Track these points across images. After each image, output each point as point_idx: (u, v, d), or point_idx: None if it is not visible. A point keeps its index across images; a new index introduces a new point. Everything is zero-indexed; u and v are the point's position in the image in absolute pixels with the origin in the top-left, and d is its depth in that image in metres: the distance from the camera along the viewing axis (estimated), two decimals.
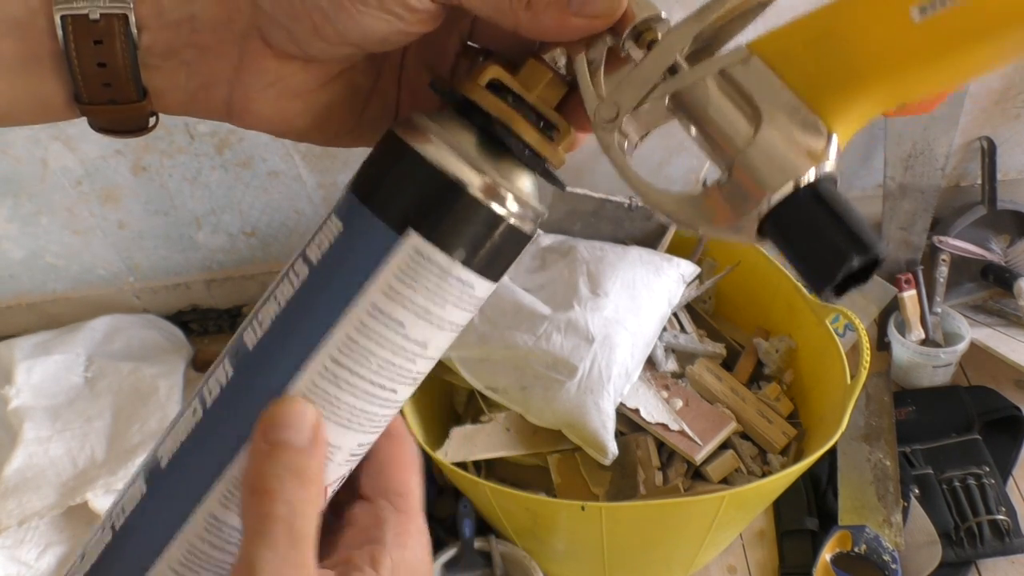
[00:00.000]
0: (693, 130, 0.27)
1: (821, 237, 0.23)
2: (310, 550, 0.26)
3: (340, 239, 0.27)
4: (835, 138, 0.24)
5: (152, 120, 0.31)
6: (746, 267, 1.01)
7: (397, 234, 0.26)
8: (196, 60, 0.29)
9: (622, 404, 0.88)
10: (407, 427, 0.31)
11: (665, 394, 0.92)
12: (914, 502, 0.97)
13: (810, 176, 0.24)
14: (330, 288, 0.27)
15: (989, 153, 1.16)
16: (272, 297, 0.28)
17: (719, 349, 1.00)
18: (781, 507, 1.00)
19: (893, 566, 0.90)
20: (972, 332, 1.09)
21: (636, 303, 0.90)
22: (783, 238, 0.24)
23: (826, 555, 0.92)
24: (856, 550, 0.92)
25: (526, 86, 0.29)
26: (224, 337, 1.34)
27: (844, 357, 0.85)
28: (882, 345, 1.15)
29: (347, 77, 0.31)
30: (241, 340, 0.28)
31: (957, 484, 0.99)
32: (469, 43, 0.32)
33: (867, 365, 0.81)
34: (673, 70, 0.27)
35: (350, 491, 0.30)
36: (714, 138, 0.26)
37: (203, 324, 1.34)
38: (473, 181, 0.26)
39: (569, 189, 1.01)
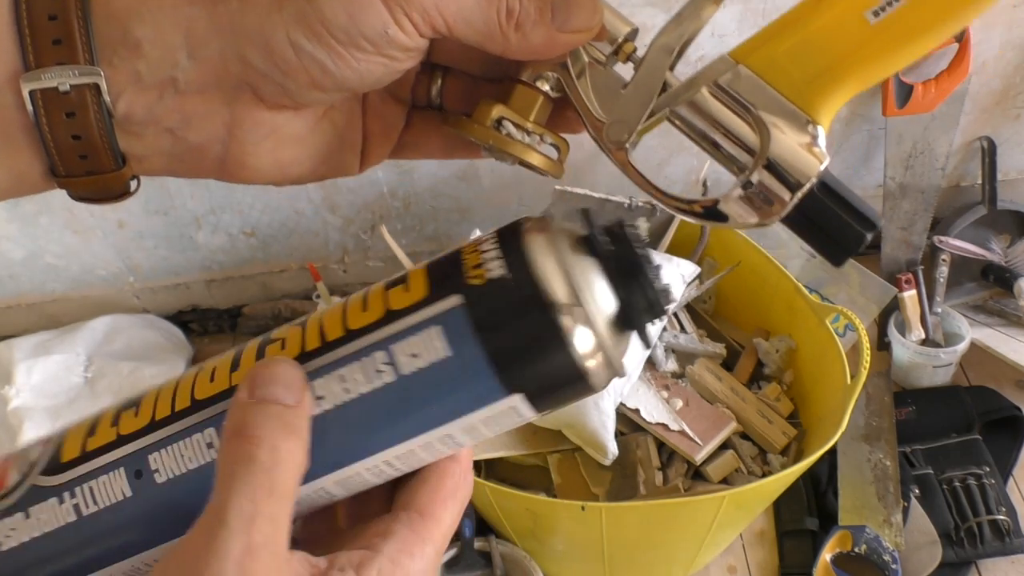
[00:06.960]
0: (694, 137, 0.29)
1: (838, 222, 0.28)
2: (288, 508, 0.23)
3: (443, 368, 0.26)
4: (822, 130, 0.28)
5: (134, 184, 0.30)
6: (746, 267, 1.01)
7: (507, 393, 0.26)
8: (182, 126, 0.28)
9: (622, 404, 0.88)
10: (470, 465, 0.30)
11: (665, 394, 0.92)
12: (914, 502, 0.97)
13: (818, 171, 0.27)
14: (417, 410, 0.26)
15: (989, 153, 1.16)
16: (340, 377, 0.26)
17: (719, 349, 1.00)
18: (781, 507, 1.00)
19: (893, 566, 0.90)
20: (972, 332, 1.09)
21: None
22: (802, 226, 0.28)
23: (826, 555, 0.92)
24: (856, 550, 0.92)
25: (522, 114, 0.30)
26: (224, 337, 1.34)
27: (844, 357, 0.85)
28: (882, 345, 1.15)
29: (329, 116, 0.31)
30: None
31: (957, 484, 0.99)
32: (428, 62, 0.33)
33: (867, 365, 0.81)
34: (666, 85, 0.29)
35: (383, 503, 0.29)
36: (722, 146, 0.29)
37: (203, 324, 1.34)
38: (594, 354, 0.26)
39: (569, 189, 1.01)
